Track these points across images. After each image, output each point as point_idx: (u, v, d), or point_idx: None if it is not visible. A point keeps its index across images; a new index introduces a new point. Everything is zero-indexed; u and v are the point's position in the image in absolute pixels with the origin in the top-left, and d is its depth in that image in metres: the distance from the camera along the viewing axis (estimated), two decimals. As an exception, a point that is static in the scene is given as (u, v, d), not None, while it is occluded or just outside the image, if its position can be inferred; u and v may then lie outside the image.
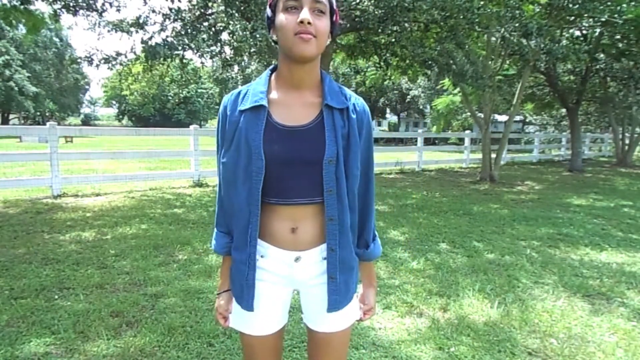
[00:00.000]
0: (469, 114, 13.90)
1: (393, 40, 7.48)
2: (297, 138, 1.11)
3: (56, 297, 3.01)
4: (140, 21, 6.95)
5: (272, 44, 1.21)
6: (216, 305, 1.29)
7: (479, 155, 11.21)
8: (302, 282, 1.23)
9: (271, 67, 1.21)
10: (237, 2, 6.39)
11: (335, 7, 1.13)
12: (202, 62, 7.77)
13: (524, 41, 8.16)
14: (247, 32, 5.94)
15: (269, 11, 1.13)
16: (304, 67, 1.11)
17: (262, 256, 1.19)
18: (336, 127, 1.12)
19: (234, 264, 1.22)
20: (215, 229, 1.28)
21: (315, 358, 1.29)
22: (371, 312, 1.34)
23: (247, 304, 1.20)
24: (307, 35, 1.04)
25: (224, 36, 7.22)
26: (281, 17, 1.06)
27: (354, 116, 1.15)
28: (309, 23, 1.03)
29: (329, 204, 1.12)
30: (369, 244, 1.29)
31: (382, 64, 8.25)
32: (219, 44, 7.11)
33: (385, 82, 12.20)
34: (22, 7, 6.20)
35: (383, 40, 7.75)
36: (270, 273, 1.21)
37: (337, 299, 1.20)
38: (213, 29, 7.06)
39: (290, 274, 1.20)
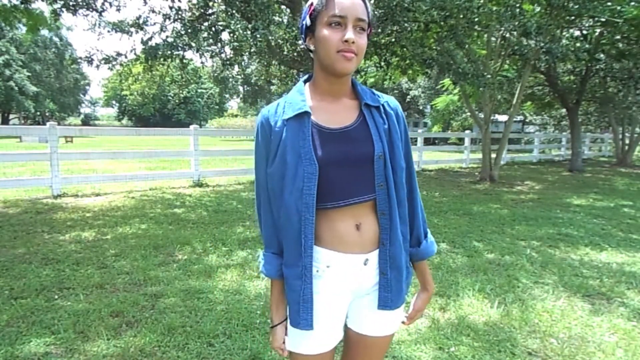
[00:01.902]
0: (469, 114, 13.89)
1: (393, 40, 7.48)
2: (346, 138, 1.13)
3: (56, 297, 3.01)
4: (140, 21, 6.95)
5: (308, 52, 1.23)
6: (271, 339, 1.22)
7: (479, 155, 11.21)
8: (366, 289, 1.21)
9: (304, 77, 1.24)
10: (237, 2, 6.39)
11: (371, 19, 1.14)
12: (202, 62, 7.77)
13: (524, 40, 8.16)
14: (247, 32, 5.94)
15: (308, 20, 1.13)
16: (342, 79, 1.15)
17: (328, 266, 1.16)
18: (377, 124, 1.16)
19: (286, 283, 1.17)
20: (264, 252, 1.23)
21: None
22: (417, 316, 1.30)
23: (306, 322, 1.15)
24: (350, 54, 1.07)
25: (224, 36, 7.23)
26: (325, 33, 1.08)
27: (391, 112, 1.20)
28: (353, 42, 1.06)
29: (380, 199, 1.15)
30: (421, 241, 1.27)
31: (382, 64, 8.25)
32: (219, 44, 7.12)
33: (385, 82, 12.16)
34: (22, 6, 6.21)
35: (383, 40, 7.74)
36: (335, 284, 1.17)
37: (387, 297, 1.19)
38: (213, 28, 7.06)
39: (357, 281, 1.18)
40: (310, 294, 1.15)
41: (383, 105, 1.20)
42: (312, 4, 1.11)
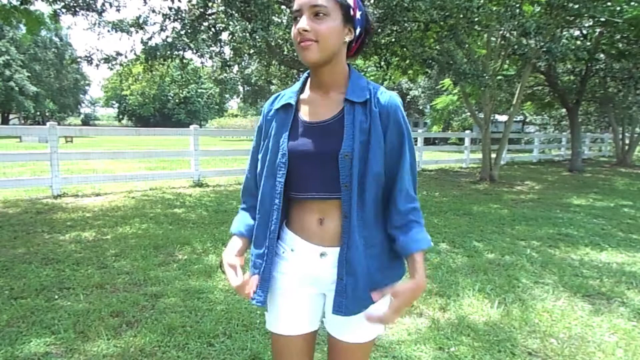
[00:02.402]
0: (469, 114, 13.89)
1: (393, 40, 7.48)
2: (319, 133, 1.15)
3: (56, 297, 3.01)
4: (140, 21, 6.95)
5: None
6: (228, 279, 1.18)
7: (479, 155, 11.21)
8: (327, 284, 1.21)
9: (309, 70, 1.26)
10: (237, 3, 6.39)
11: (351, 2, 1.11)
12: (202, 62, 7.77)
13: (524, 40, 8.16)
14: (247, 33, 5.94)
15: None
16: (322, 69, 1.14)
17: (292, 250, 1.22)
18: (356, 122, 1.12)
19: (251, 261, 1.25)
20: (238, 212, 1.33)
21: None
22: (400, 306, 1.07)
23: (260, 299, 1.21)
24: (305, 42, 1.08)
25: (224, 36, 7.23)
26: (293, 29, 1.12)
27: (375, 109, 1.13)
28: (305, 30, 1.07)
29: (344, 199, 1.13)
30: (398, 237, 1.16)
31: (382, 63, 8.25)
32: (219, 44, 7.12)
33: (385, 82, 12.16)
34: (22, 7, 6.21)
35: (383, 40, 7.74)
36: (297, 268, 1.22)
37: (341, 302, 1.15)
38: (213, 29, 7.06)
39: (314, 271, 1.20)
40: (269, 274, 1.21)
41: (367, 100, 1.13)
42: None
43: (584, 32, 11.81)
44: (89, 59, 6.90)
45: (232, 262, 1.16)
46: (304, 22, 1.07)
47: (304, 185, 1.16)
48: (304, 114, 1.18)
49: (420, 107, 32.05)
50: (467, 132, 15.73)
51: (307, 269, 1.21)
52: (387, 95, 1.15)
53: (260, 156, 1.23)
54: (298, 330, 1.24)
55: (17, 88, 35.31)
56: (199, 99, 55.35)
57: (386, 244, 1.19)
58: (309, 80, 1.22)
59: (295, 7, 1.09)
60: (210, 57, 7.46)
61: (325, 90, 1.17)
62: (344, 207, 1.13)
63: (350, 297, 1.15)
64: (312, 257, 1.19)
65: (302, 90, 1.22)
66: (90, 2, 6.59)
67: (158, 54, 6.64)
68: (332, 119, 1.15)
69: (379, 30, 6.92)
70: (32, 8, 6.51)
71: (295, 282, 1.23)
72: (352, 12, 1.11)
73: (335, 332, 1.24)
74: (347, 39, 1.13)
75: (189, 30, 6.73)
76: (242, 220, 1.29)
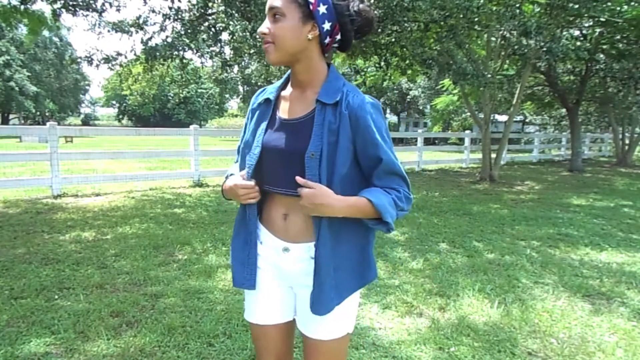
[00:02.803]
0: (468, 114, 13.89)
1: (393, 40, 7.47)
2: (289, 130, 1.18)
3: (56, 297, 3.01)
4: (140, 21, 6.94)
5: None
6: (231, 184, 1.22)
7: (479, 155, 11.21)
8: (292, 278, 1.26)
9: None
10: (237, 3, 6.38)
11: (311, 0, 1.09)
12: (202, 63, 7.77)
13: (524, 40, 8.15)
14: (247, 33, 5.93)
15: None
16: (296, 68, 1.18)
17: (261, 242, 1.28)
18: (325, 122, 1.13)
19: (232, 249, 1.30)
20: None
21: None
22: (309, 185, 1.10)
23: (250, 283, 1.27)
24: (264, 45, 1.13)
25: (224, 36, 7.22)
26: None
27: (345, 112, 1.13)
28: (263, 33, 1.12)
29: None
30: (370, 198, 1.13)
31: (382, 64, 8.25)
32: (219, 44, 7.11)
33: (385, 83, 12.15)
34: (22, 7, 6.21)
35: (383, 40, 7.74)
36: (265, 261, 1.28)
37: (310, 299, 1.19)
38: (213, 29, 7.05)
39: (279, 264, 1.25)
40: (255, 258, 1.26)
41: (338, 102, 1.13)
42: None
43: (584, 32, 11.81)
44: (89, 59, 6.89)
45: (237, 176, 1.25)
46: (262, 26, 1.13)
47: (273, 180, 1.20)
48: (282, 110, 1.22)
49: (421, 107, 32.05)
50: (467, 132, 15.74)
51: (272, 261, 1.26)
52: (358, 99, 1.14)
53: (242, 146, 1.29)
54: (271, 321, 1.30)
55: (17, 88, 35.30)
56: (199, 99, 55.36)
57: (356, 245, 1.20)
58: (290, 77, 1.26)
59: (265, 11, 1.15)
60: (210, 57, 7.46)
61: (303, 89, 1.19)
62: None
63: (315, 294, 1.17)
64: (276, 251, 1.24)
65: (284, 86, 1.26)
66: (90, 2, 6.59)
67: (158, 54, 6.64)
68: (304, 117, 1.17)
69: (379, 30, 6.91)
70: (32, 8, 6.51)
71: (266, 273, 1.28)
72: (311, 7, 1.09)
73: (304, 330, 1.26)
74: (311, 36, 1.11)
75: (189, 30, 6.73)
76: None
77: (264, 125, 1.22)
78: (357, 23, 1.15)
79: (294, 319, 1.32)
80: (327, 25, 1.12)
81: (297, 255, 1.21)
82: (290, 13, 1.09)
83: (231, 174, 1.31)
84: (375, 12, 6.45)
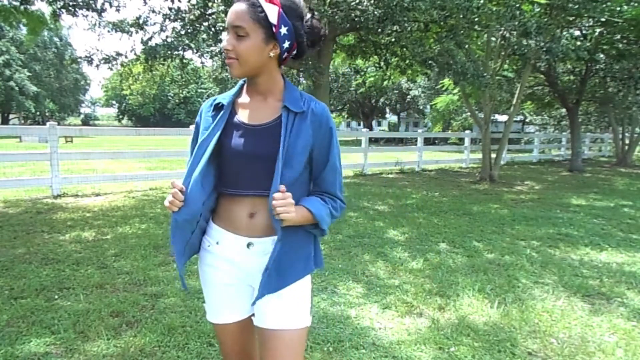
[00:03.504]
0: (469, 114, 13.89)
1: (393, 40, 7.48)
2: (256, 135, 1.24)
3: (56, 297, 3.01)
4: (140, 21, 6.94)
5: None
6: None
7: (479, 155, 11.21)
8: (251, 275, 1.30)
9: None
10: (237, 2, 6.38)
11: (274, 20, 1.17)
12: (202, 62, 7.77)
13: (524, 40, 8.16)
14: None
15: None
16: (257, 80, 1.26)
17: (217, 242, 1.32)
18: (293, 127, 1.23)
19: (177, 228, 1.32)
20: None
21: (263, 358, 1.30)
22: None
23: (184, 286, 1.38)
24: (228, 59, 1.20)
25: (224, 36, 7.22)
26: None
27: (310, 118, 1.25)
28: (227, 49, 1.19)
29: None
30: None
31: (382, 64, 8.25)
32: (219, 44, 7.11)
33: (385, 83, 12.16)
34: (22, 7, 6.20)
35: (383, 40, 7.74)
36: (223, 260, 1.32)
37: (264, 285, 1.24)
38: (213, 29, 7.05)
39: (239, 262, 1.30)
40: (198, 243, 1.36)
41: (304, 111, 1.25)
42: None
43: (584, 32, 11.81)
44: (89, 59, 6.90)
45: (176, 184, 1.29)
46: (226, 41, 1.19)
47: (234, 182, 1.26)
48: (242, 116, 1.27)
49: (421, 107, 32.05)
50: (467, 132, 15.73)
51: (233, 260, 1.30)
52: (320, 106, 1.27)
53: (195, 151, 1.29)
54: (231, 319, 1.36)
55: (17, 88, 35.30)
56: (199, 99, 55.38)
57: (305, 239, 1.30)
58: (245, 86, 1.32)
59: (226, 24, 1.20)
60: (210, 57, 7.46)
61: (264, 97, 1.28)
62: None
63: (273, 278, 1.24)
64: (238, 248, 1.28)
65: (239, 94, 1.32)
66: (90, 2, 6.59)
67: (158, 54, 6.64)
68: (270, 123, 1.25)
69: (379, 30, 6.91)
70: (32, 8, 6.51)
71: (222, 273, 1.33)
72: (274, 30, 1.18)
73: (263, 322, 1.28)
74: (272, 54, 1.21)
75: (189, 30, 6.73)
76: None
77: (217, 131, 1.25)
78: (310, 38, 1.27)
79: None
80: (286, 44, 1.22)
81: (260, 250, 1.27)
82: (253, 33, 1.17)
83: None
84: (376, 12, 6.45)
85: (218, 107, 1.29)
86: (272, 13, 1.17)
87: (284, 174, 1.20)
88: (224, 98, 1.30)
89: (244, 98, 1.30)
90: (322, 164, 1.28)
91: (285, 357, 1.26)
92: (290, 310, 1.27)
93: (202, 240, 1.37)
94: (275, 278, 1.25)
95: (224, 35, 1.18)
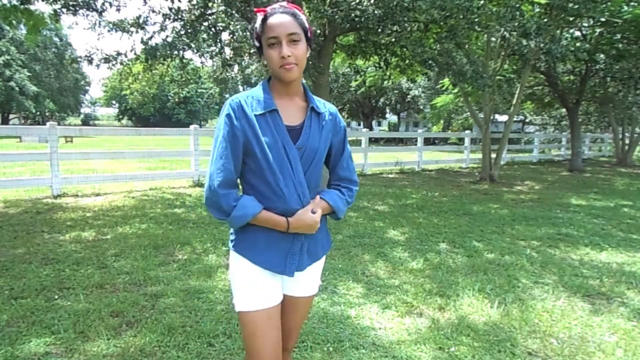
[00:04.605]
0: (469, 113, 13.89)
1: (393, 40, 7.47)
2: (296, 135, 1.41)
3: (56, 297, 3.01)
4: (140, 21, 6.94)
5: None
6: (304, 217, 1.40)
7: (479, 155, 11.21)
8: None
9: (266, 77, 1.46)
10: (237, 2, 6.38)
11: (307, 25, 1.36)
12: (202, 62, 7.76)
13: (524, 41, 8.15)
14: (247, 32, 5.93)
15: (256, 42, 1.38)
16: (295, 82, 1.40)
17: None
18: (319, 125, 1.45)
19: (270, 237, 1.42)
20: (234, 196, 1.40)
21: (286, 318, 1.53)
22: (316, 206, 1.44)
23: (291, 269, 1.44)
24: (289, 65, 1.32)
25: (224, 36, 7.22)
26: (268, 52, 1.33)
27: (330, 117, 1.48)
28: (289, 56, 1.30)
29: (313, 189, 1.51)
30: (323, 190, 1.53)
31: (382, 64, 8.24)
32: (219, 44, 7.11)
33: (385, 83, 12.14)
34: (22, 7, 6.20)
35: (383, 40, 7.73)
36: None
37: (302, 261, 1.49)
38: (213, 29, 7.05)
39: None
40: (299, 247, 1.44)
41: (324, 112, 1.46)
42: (256, 30, 1.36)
43: (584, 32, 11.81)
44: (89, 58, 6.89)
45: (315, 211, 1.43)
46: (286, 50, 1.30)
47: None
48: (284, 119, 1.40)
49: (421, 107, 32.04)
50: (467, 132, 15.73)
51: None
52: (333, 107, 1.51)
53: (251, 154, 1.36)
54: (276, 300, 1.47)
55: (17, 88, 35.26)
56: (199, 99, 55.33)
57: (324, 223, 1.55)
58: (269, 87, 1.42)
59: (272, 34, 1.30)
60: (211, 57, 7.45)
61: (291, 98, 1.43)
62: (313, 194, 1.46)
63: (307, 256, 1.48)
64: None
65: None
66: (90, 1, 6.58)
67: (158, 53, 6.63)
68: (303, 123, 1.42)
69: (379, 30, 6.90)
70: (32, 8, 6.50)
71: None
72: (309, 34, 1.37)
73: (300, 292, 1.54)
74: (307, 55, 1.38)
75: (189, 30, 6.72)
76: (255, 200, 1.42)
77: (284, 135, 1.37)
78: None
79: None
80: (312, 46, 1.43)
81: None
82: (301, 38, 1.33)
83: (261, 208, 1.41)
84: (376, 12, 6.45)
85: (272, 112, 1.37)
86: (305, 20, 1.36)
87: (317, 166, 1.44)
88: (269, 103, 1.37)
89: (275, 100, 1.40)
90: (340, 155, 1.53)
91: (305, 315, 1.62)
92: (318, 279, 1.60)
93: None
94: (309, 255, 1.49)
95: (270, 51, 1.33)
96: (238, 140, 1.35)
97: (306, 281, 1.54)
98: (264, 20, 1.33)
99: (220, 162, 1.36)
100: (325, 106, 1.49)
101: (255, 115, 1.35)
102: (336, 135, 1.50)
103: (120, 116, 62.76)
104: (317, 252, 1.53)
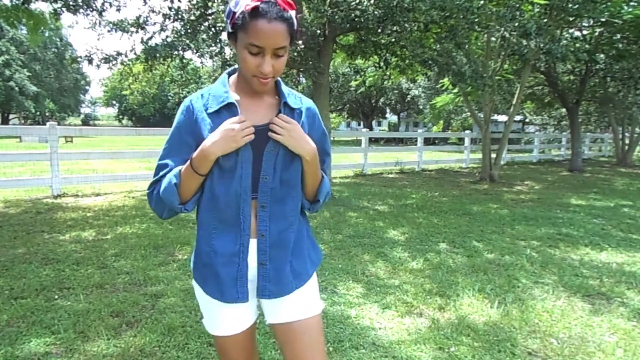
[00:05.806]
0: (469, 113, 13.89)
1: (393, 40, 7.47)
2: (263, 135, 1.19)
3: (56, 297, 3.01)
4: (140, 21, 6.94)
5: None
6: (227, 128, 1.13)
7: (479, 155, 11.21)
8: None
9: (228, 70, 1.28)
10: (237, 2, 6.38)
11: (296, 27, 1.14)
12: (202, 62, 7.76)
13: (524, 41, 8.15)
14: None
15: (229, 27, 1.13)
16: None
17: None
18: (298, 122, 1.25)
19: (218, 262, 1.21)
20: (161, 179, 1.26)
21: (290, 353, 1.27)
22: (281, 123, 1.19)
23: (244, 295, 1.24)
24: (265, 80, 1.14)
25: (224, 36, 7.22)
26: (244, 55, 1.11)
27: (305, 112, 1.27)
28: (267, 72, 1.12)
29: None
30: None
31: (381, 64, 8.24)
32: (219, 44, 7.11)
33: (385, 83, 12.15)
34: (22, 6, 6.20)
35: (383, 41, 7.73)
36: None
37: (265, 286, 1.24)
38: (213, 29, 7.05)
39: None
40: (246, 269, 1.22)
41: (300, 107, 1.26)
42: (234, 14, 1.09)
43: (584, 32, 11.81)
44: (89, 58, 6.89)
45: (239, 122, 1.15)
46: (267, 66, 1.10)
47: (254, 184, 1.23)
48: (247, 117, 1.19)
49: (421, 107, 32.04)
50: (467, 132, 15.74)
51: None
52: (307, 101, 1.30)
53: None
54: (243, 327, 1.31)
55: (17, 88, 35.25)
56: (199, 99, 55.24)
57: (304, 231, 1.32)
58: (232, 81, 1.25)
59: (257, 42, 1.08)
60: (210, 57, 7.45)
61: (260, 96, 1.23)
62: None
63: (273, 281, 1.24)
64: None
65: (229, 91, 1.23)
66: (91, 1, 6.58)
67: (158, 53, 6.63)
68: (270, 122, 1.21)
69: (379, 30, 6.90)
70: (32, 7, 6.50)
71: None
72: (296, 33, 1.14)
73: (284, 317, 1.27)
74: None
75: (189, 30, 6.72)
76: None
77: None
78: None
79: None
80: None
81: (254, 250, 1.30)
82: (287, 48, 1.14)
83: (178, 170, 1.22)
84: (376, 12, 6.45)
85: (228, 107, 1.18)
86: (296, 22, 1.13)
87: (296, 169, 1.24)
88: (224, 96, 1.19)
89: (236, 95, 1.21)
90: (321, 150, 1.32)
91: (315, 345, 1.28)
92: (308, 298, 1.31)
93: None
94: (275, 281, 1.26)
95: (248, 56, 1.15)
96: (185, 150, 1.22)
97: (296, 301, 1.27)
98: (252, 15, 1.06)
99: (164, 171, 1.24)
100: (302, 101, 1.28)
101: (208, 114, 1.18)
102: (313, 130, 1.29)
103: (120, 116, 62.79)
104: (307, 269, 1.31)
